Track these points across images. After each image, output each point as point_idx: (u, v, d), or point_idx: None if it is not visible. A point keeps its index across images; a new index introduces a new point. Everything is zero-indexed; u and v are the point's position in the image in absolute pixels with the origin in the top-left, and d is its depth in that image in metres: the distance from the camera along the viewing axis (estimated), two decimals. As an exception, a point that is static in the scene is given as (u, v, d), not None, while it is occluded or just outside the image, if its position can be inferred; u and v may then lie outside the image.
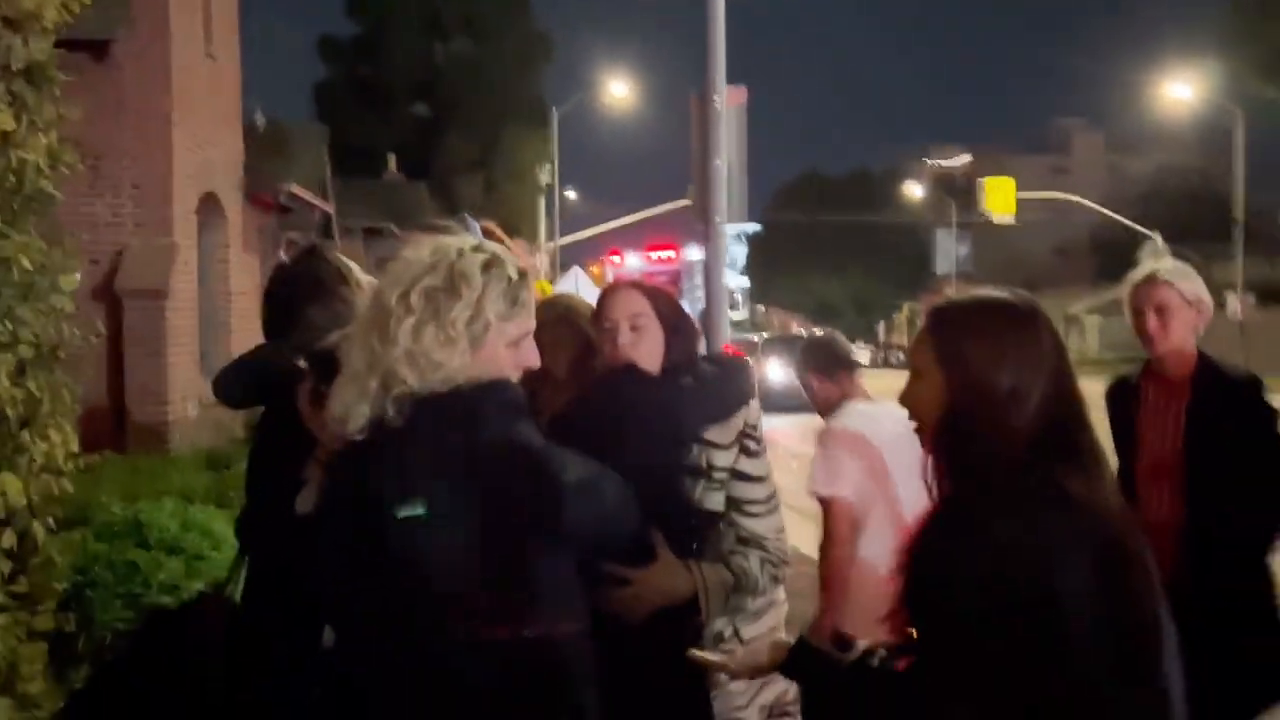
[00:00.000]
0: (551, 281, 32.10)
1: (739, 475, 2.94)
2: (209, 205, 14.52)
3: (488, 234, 3.52)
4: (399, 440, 2.13)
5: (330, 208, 23.90)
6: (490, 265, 2.23)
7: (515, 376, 2.26)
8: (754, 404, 3.00)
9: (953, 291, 2.26)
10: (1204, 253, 52.72)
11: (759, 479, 2.97)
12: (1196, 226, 52.95)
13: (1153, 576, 1.93)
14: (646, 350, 2.85)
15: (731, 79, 9.14)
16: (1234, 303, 35.47)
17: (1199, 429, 3.55)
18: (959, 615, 1.85)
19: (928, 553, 1.94)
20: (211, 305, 14.82)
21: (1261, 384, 3.66)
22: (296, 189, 18.89)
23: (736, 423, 2.92)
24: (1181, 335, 3.61)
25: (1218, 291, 37.36)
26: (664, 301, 2.93)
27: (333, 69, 45.06)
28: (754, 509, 2.95)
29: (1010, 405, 1.95)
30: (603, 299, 2.96)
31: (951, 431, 1.98)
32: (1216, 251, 50.28)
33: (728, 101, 9.27)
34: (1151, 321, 3.59)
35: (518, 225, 45.82)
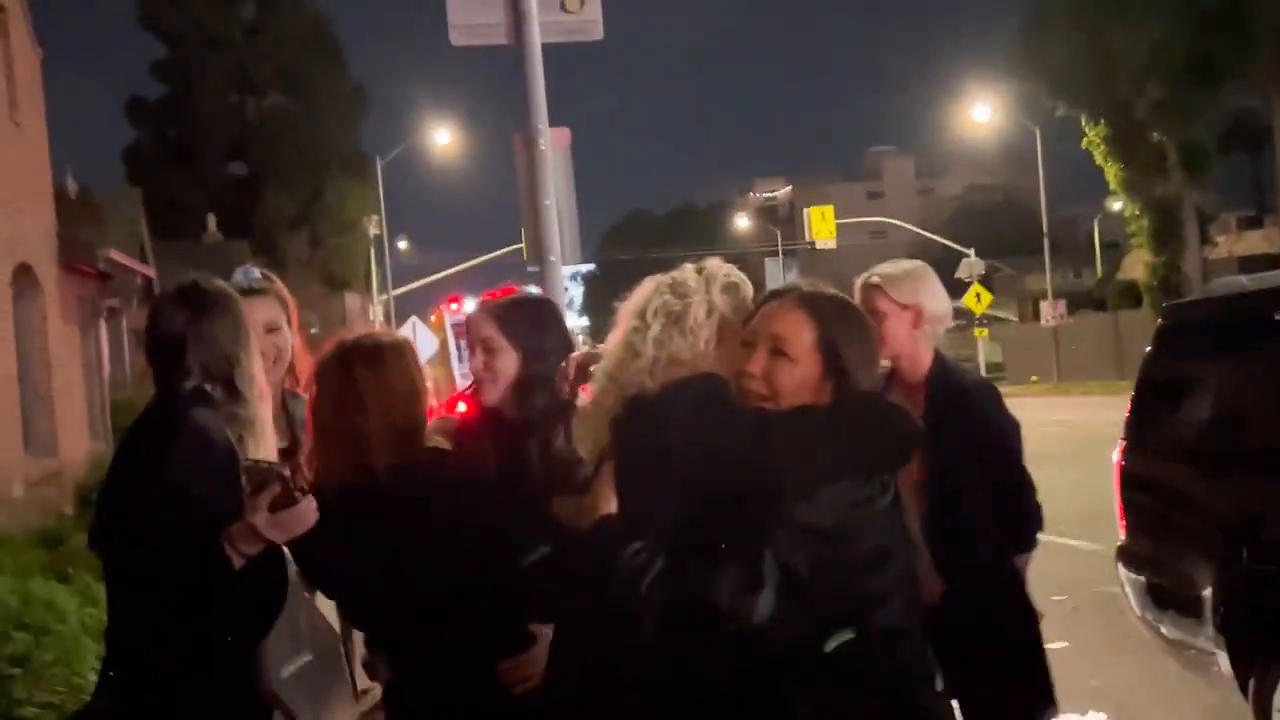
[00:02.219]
0: (387, 333, 31.70)
1: None
2: (23, 277, 13.97)
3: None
4: None
5: (151, 271, 23.18)
6: None
7: None
8: None
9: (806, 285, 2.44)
10: (1016, 266, 55.60)
11: None
12: (1006, 241, 55.60)
13: None
14: (500, 369, 2.84)
15: (552, 122, 9.28)
16: (1048, 310, 37.27)
17: (932, 434, 3.24)
18: None
19: None
20: (31, 380, 14.22)
21: (996, 392, 3.62)
22: (115, 254, 18.30)
23: None
24: (898, 340, 3.45)
25: (1032, 301, 38.72)
26: (513, 321, 2.90)
27: (143, 131, 43.77)
28: None
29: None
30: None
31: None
32: (1027, 264, 52.95)
33: (553, 142, 9.39)
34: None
35: (348, 279, 45.19)
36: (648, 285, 2.49)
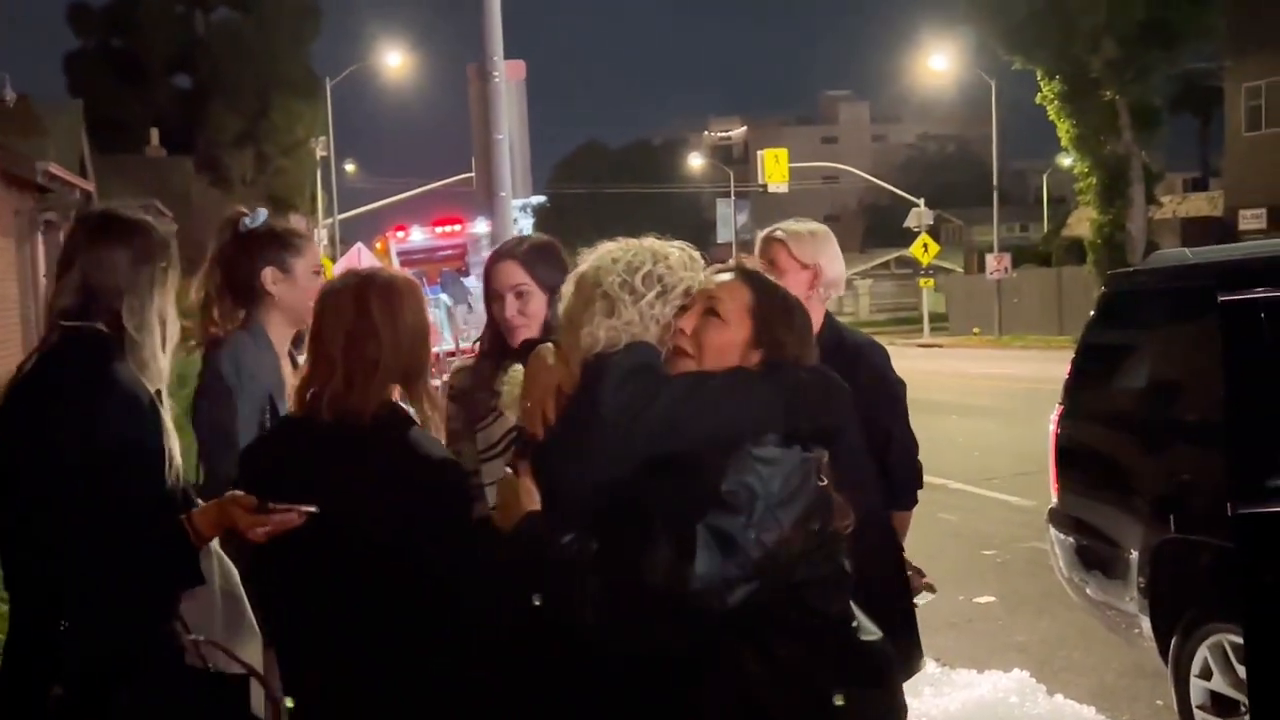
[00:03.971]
0: (333, 258, 31.38)
1: None
2: (-45, 187, 13.61)
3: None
4: None
5: (91, 186, 22.68)
6: None
7: None
8: None
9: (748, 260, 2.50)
10: (964, 217, 55.97)
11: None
12: (956, 192, 55.94)
13: None
14: (532, 314, 3.09)
15: (509, 51, 9.13)
16: (992, 263, 37.58)
17: None
18: None
19: None
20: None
21: (885, 352, 3.66)
22: (54, 168, 17.86)
23: None
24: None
25: (978, 253, 38.96)
26: (542, 269, 3.11)
27: (85, 40, 42.60)
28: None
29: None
30: (486, 272, 3.24)
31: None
32: (975, 215, 53.32)
33: (507, 76, 9.24)
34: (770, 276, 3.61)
35: (294, 200, 44.52)
36: (625, 249, 2.45)
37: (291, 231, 3.47)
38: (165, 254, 2.75)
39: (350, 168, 52.37)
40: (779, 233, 3.57)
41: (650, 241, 2.47)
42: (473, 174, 9.63)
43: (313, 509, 2.38)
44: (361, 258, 23.40)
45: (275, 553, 2.44)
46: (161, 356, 2.65)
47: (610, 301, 2.33)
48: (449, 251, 23.65)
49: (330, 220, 38.30)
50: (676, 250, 2.47)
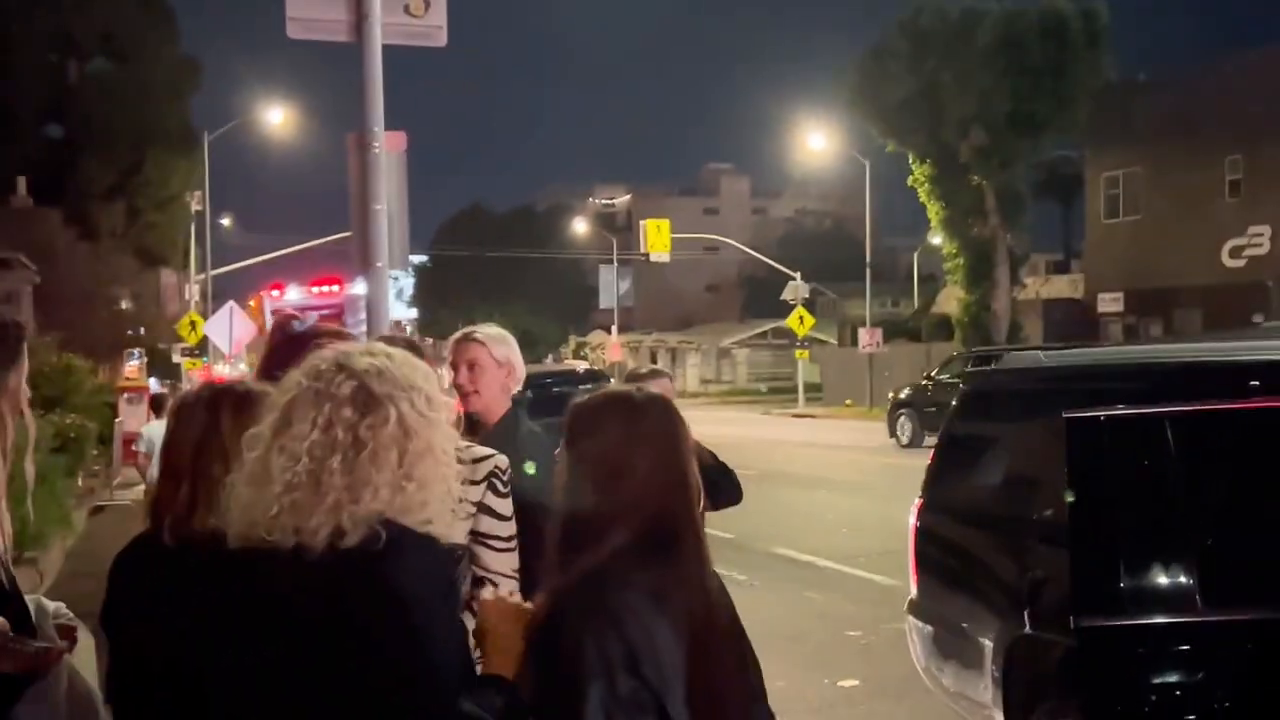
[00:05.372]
0: (204, 315, 30.66)
1: (486, 510, 3.30)
2: None
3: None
4: None
5: (-52, 237, 21.82)
6: None
7: None
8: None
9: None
10: (839, 291, 57.30)
11: (504, 518, 3.33)
12: (831, 266, 57.26)
13: None
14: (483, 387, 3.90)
15: (393, 115, 9.09)
16: (865, 337, 38.50)
17: None
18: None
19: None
20: None
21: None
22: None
23: (486, 464, 3.36)
24: (490, 390, 3.99)
25: (851, 326, 39.99)
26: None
27: (-49, 83, 41.19)
28: (496, 544, 3.29)
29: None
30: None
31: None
32: (849, 290, 54.66)
33: (387, 147, 9.19)
34: (463, 374, 3.99)
35: (165, 255, 43.44)
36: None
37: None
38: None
39: (227, 223, 51.46)
40: (478, 335, 4.08)
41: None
42: (349, 233, 9.54)
43: (65, 646, 2.32)
44: (234, 317, 22.95)
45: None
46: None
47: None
48: (326, 311, 23.33)
49: (202, 275, 37.47)
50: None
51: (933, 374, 26.73)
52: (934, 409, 24.55)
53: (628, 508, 2.19)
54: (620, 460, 2.23)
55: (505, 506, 3.34)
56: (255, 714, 1.92)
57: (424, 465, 1.97)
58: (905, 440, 25.54)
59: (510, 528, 3.33)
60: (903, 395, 26.60)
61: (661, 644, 2.11)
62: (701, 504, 2.32)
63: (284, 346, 3.32)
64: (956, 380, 24.34)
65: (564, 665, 2.09)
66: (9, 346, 2.68)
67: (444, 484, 2.01)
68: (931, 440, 25.44)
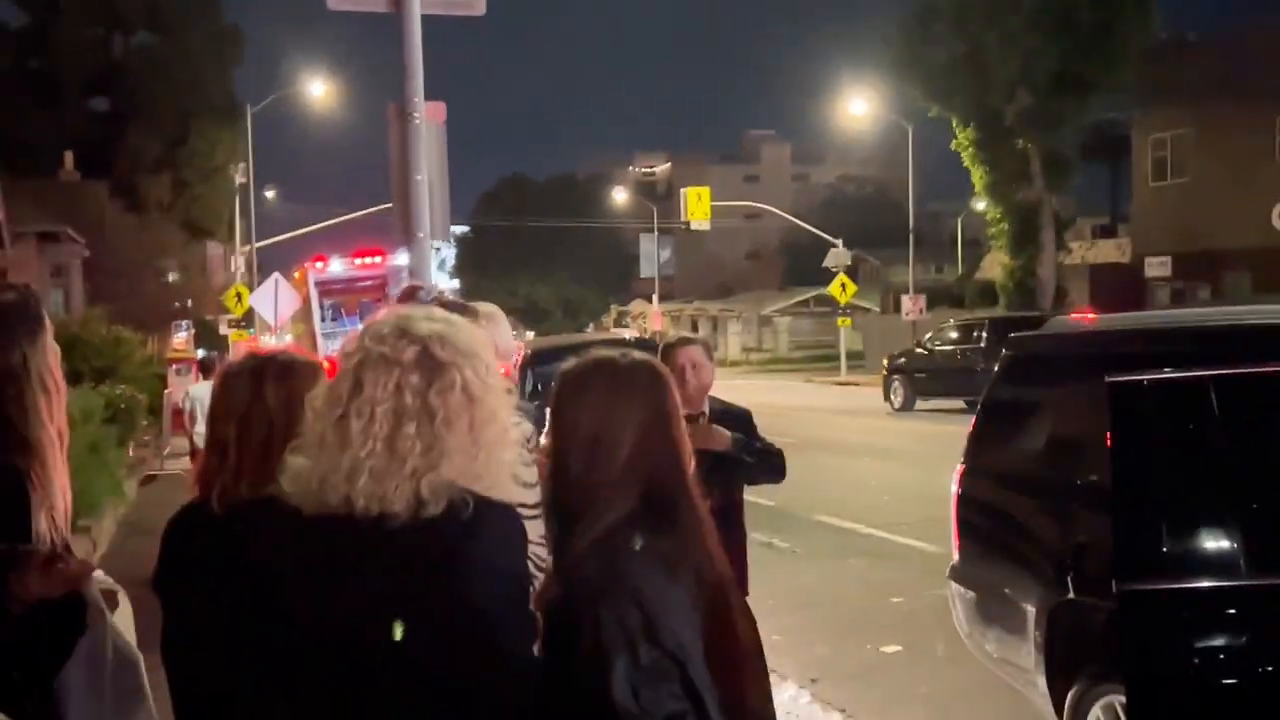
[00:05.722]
0: (250, 286, 30.92)
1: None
2: None
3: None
4: None
5: (0, 210, 22.15)
6: None
7: None
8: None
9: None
10: (882, 257, 56.84)
11: (529, 485, 3.26)
12: (874, 233, 56.83)
13: None
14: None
15: (433, 85, 9.12)
16: (908, 304, 38.19)
17: None
18: None
19: None
20: None
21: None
22: (-41, 192, 17.43)
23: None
24: None
25: (894, 293, 39.78)
26: None
27: (1, 59, 41.69)
28: (525, 512, 3.25)
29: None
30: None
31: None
32: (892, 256, 54.22)
33: (427, 116, 9.23)
34: None
35: (211, 227, 43.84)
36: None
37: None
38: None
39: (271, 195, 51.79)
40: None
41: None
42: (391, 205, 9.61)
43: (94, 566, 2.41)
44: (279, 289, 23.13)
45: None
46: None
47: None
48: (368, 283, 23.48)
49: (248, 247, 37.81)
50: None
51: (925, 340, 27.11)
52: (924, 374, 25.64)
53: (621, 478, 2.19)
54: (607, 430, 2.22)
55: (531, 474, 3.40)
56: (326, 686, 1.93)
57: (490, 432, 1.98)
58: (897, 405, 26.14)
59: (536, 494, 3.38)
60: (898, 361, 26.92)
61: (677, 611, 2.12)
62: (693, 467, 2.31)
63: None
64: (952, 348, 25.33)
65: (585, 640, 2.09)
66: (30, 317, 2.73)
67: (509, 451, 2.02)
68: (924, 405, 25.68)
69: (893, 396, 26.39)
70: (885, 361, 27.93)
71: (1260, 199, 31.04)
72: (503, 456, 2.01)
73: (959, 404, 23.33)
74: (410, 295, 3.46)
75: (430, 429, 1.92)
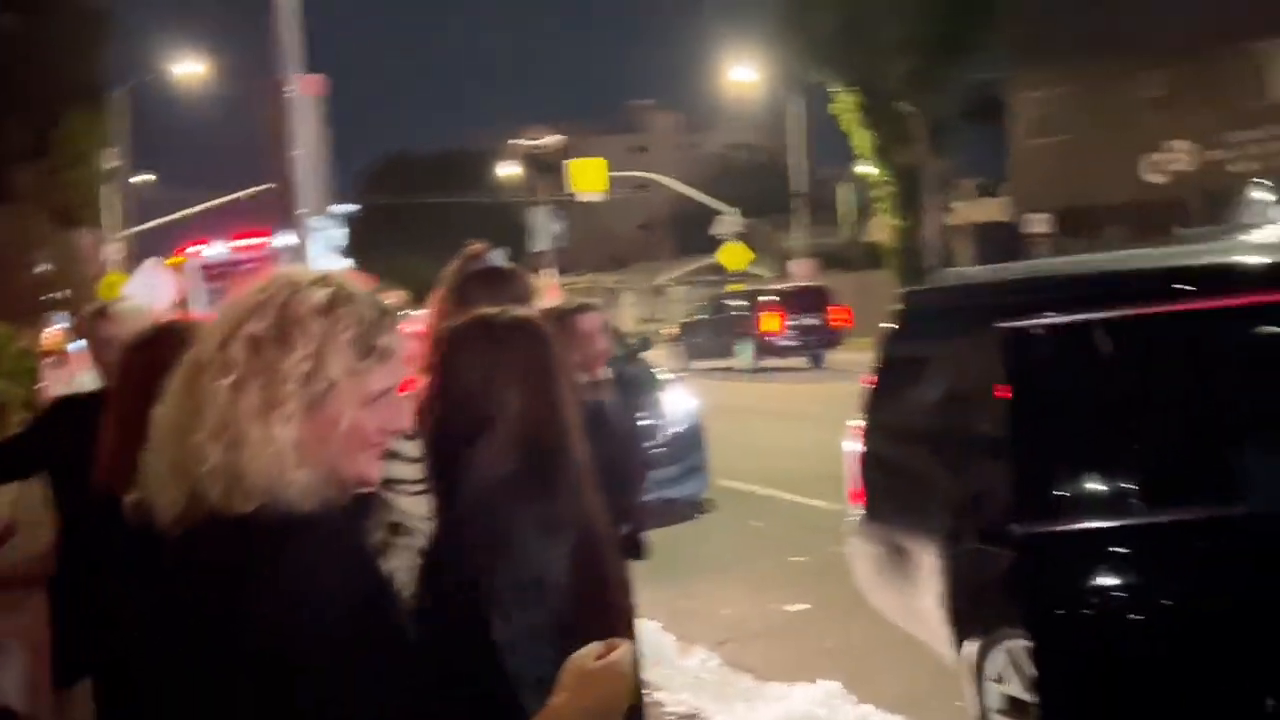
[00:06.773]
0: (127, 273, 29.95)
1: (392, 454, 3.14)
2: None
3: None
4: None
5: None
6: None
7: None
8: None
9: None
10: (772, 224, 57.29)
11: (413, 460, 3.14)
12: (764, 200, 57.23)
13: None
14: None
15: (315, 61, 8.90)
16: (796, 268, 38.57)
17: None
18: None
19: None
20: None
21: None
22: None
23: None
24: None
25: (784, 258, 40.41)
26: None
27: None
28: (406, 488, 3.13)
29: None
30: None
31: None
32: (782, 222, 54.66)
33: (304, 90, 8.99)
34: None
35: (82, 215, 42.37)
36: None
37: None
38: None
39: (146, 179, 50.21)
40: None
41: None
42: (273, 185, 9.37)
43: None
44: (156, 274, 22.44)
45: None
46: None
47: None
48: (251, 265, 22.92)
49: (123, 234, 36.60)
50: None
51: (703, 307, 32.99)
52: (699, 339, 31.11)
53: (502, 437, 2.14)
54: (487, 389, 2.17)
55: (412, 449, 3.28)
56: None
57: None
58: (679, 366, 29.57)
59: (419, 470, 3.27)
60: (676, 328, 32.67)
61: (559, 575, 2.10)
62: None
63: (476, 278, 3.41)
64: (720, 316, 30.78)
65: (463, 599, 2.05)
66: None
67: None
68: (699, 366, 28.21)
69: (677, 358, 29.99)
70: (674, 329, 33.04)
71: (1134, 153, 31.91)
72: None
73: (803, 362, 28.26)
74: (476, 255, 3.40)
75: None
